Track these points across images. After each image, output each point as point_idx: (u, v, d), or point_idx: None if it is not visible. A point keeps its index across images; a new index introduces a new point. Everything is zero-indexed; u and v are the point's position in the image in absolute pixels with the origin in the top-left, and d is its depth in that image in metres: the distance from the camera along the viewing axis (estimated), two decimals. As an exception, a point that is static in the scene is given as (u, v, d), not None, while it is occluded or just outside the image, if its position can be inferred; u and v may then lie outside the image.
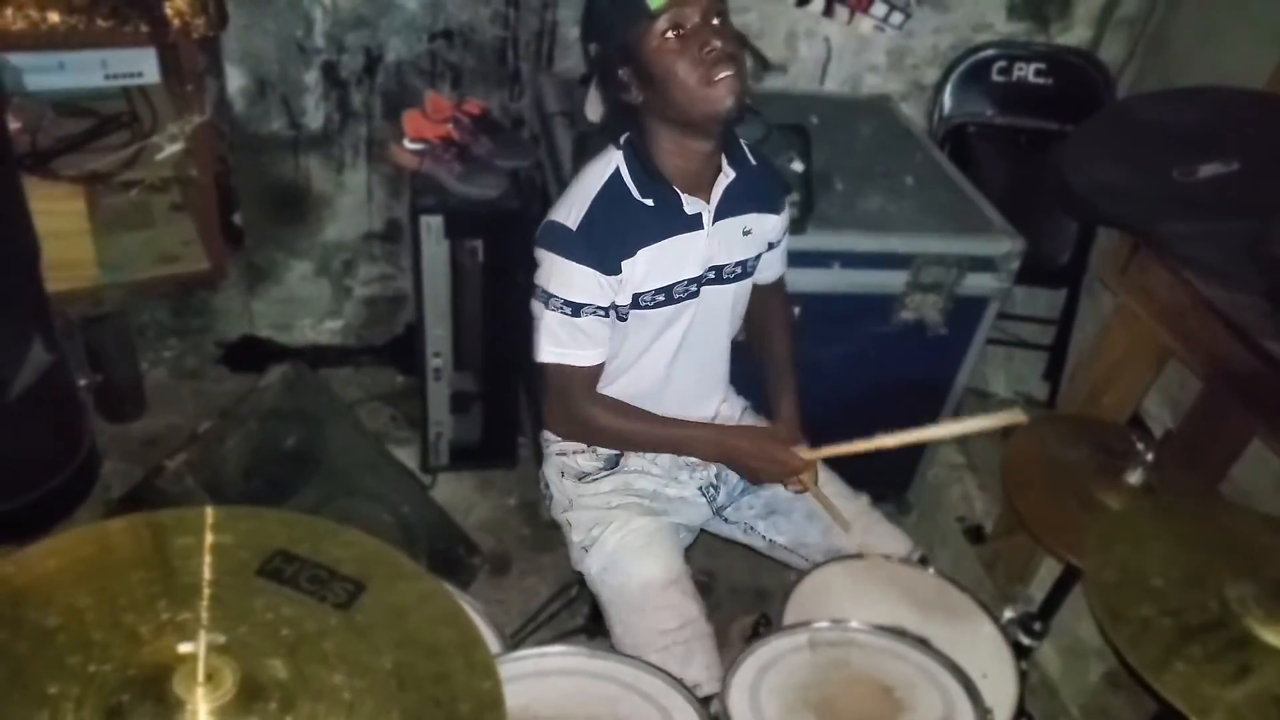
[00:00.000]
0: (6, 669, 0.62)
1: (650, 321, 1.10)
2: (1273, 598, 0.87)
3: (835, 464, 1.23)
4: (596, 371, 1.10)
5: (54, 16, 1.34)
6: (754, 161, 1.14)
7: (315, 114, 1.84)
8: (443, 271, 1.66)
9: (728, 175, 1.08)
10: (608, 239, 1.04)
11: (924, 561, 1.15)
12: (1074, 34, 2.05)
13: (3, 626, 0.65)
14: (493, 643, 0.93)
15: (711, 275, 1.11)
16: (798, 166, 1.49)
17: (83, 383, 1.68)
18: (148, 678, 0.63)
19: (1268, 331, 1.23)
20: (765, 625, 1.03)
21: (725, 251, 1.11)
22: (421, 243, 1.62)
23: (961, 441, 2.07)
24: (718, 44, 0.95)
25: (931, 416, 1.76)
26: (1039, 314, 2.12)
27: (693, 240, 1.08)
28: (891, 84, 2.03)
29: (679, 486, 1.19)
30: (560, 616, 1.51)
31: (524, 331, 1.11)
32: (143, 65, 1.53)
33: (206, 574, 0.70)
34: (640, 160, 1.05)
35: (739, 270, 1.14)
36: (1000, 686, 0.95)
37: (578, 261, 1.02)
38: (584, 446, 1.18)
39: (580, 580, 1.21)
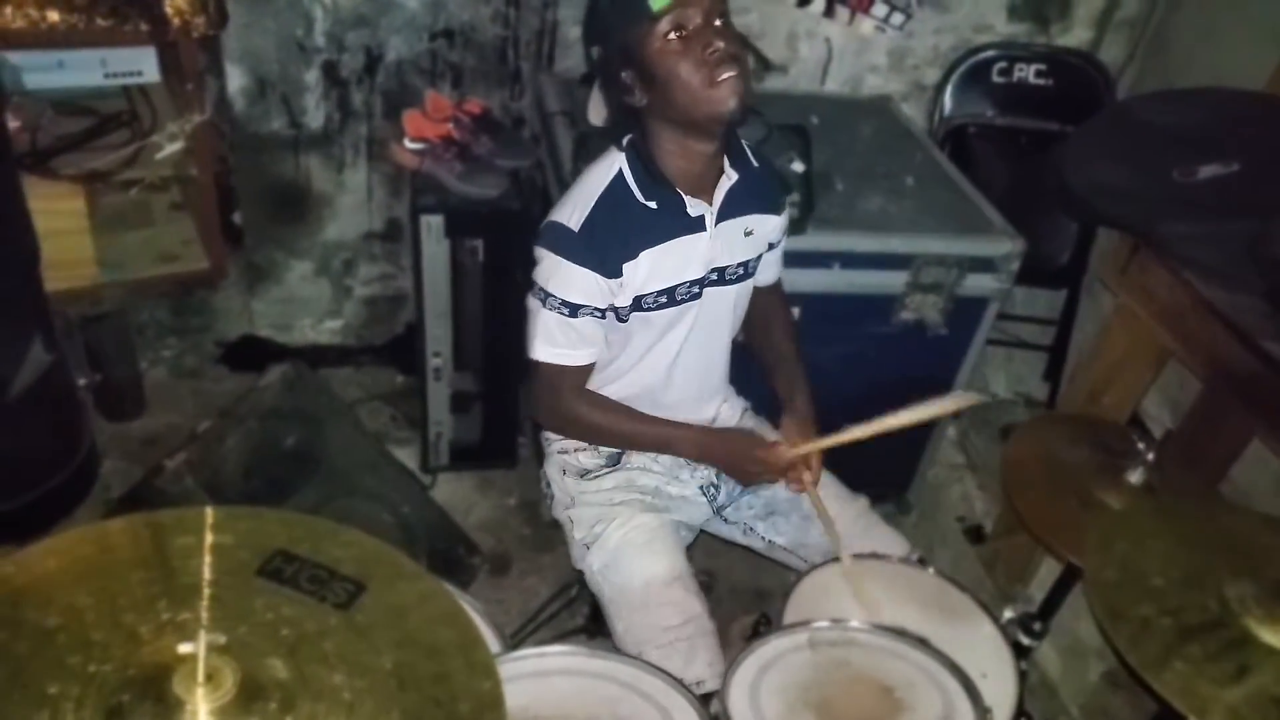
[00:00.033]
0: (6, 669, 0.62)
1: (652, 323, 1.10)
2: (1272, 598, 0.87)
3: (834, 466, 1.24)
4: (588, 371, 1.11)
5: (54, 15, 1.34)
6: (755, 163, 1.14)
7: (315, 113, 1.84)
8: (443, 271, 1.65)
9: (730, 177, 1.08)
10: (609, 241, 1.04)
11: (923, 562, 1.15)
12: (1074, 35, 2.05)
13: (2, 626, 0.65)
14: (493, 643, 0.93)
15: (714, 277, 1.11)
16: (798, 167, 1.49)
17: (82, 382, 1.68)
18: (148, 678, 0.63)
19: (1267, 332, 1.23)
20: (765, 625, 1.03)
21: (728, 253, 1.11)
22: (422, 242, 1.62)
23: (961, 442, 2.08)
24: (720, 45, 0.95)
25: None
26: (1039, 314, 2.12)
27: (695, 242, 1.08)
28: (892, 84, 2.03)
29: (680, 485, 1.20)
30: (560, 616, 1.51)
31: (523, 331, 1.11)
32: (142, 64, 1.52)
33: (206, 574, 0.70)
34: (643, 162, 1.05)
35: (741, 271, 1.14)
36: (1000, 686, 0.95)
37: (578, 263, 1.03)
38: (585, 445, 1.18)
39: (581, 580, 1.21)
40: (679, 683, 0.90)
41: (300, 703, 0.63)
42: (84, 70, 1.49)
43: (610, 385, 1.16)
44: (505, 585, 1.70)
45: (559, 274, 1.03)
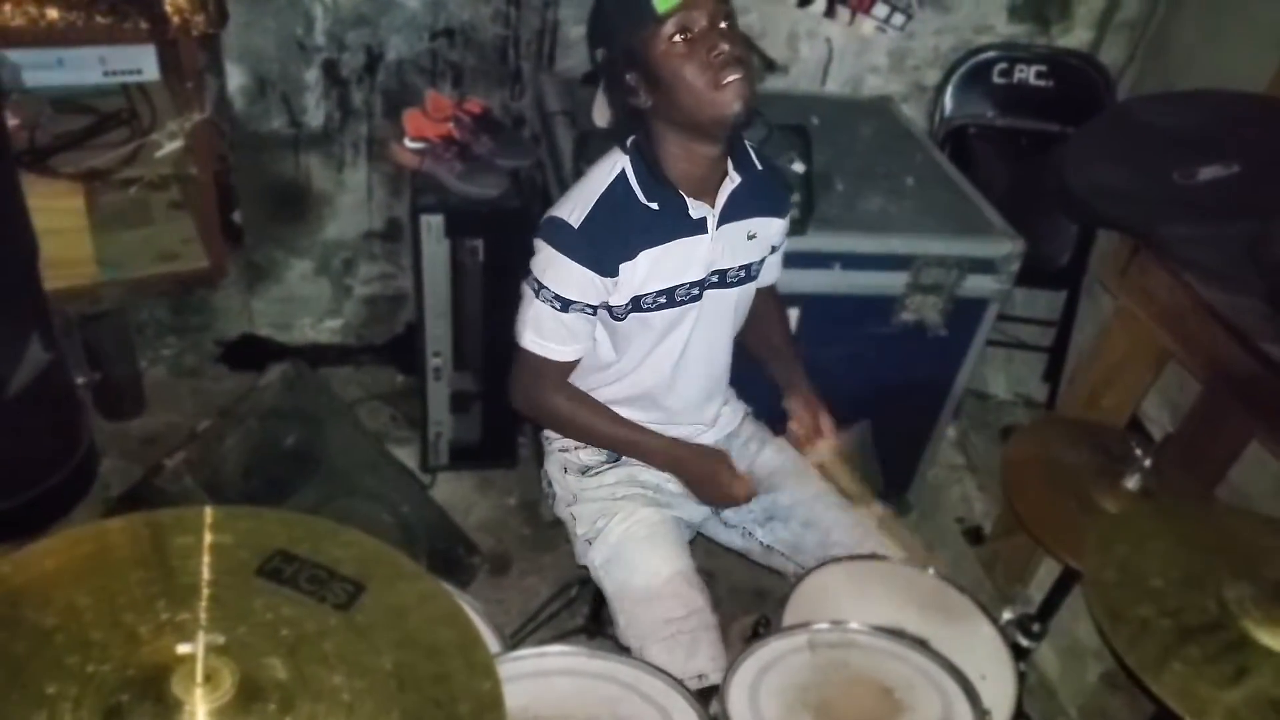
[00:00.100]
0: (5, 669, 0.62)
1: (652, 324, 1.10)
2: (1271, 599, 0.87)
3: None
4: (572, 366, 1.11)
5: (53, 13, 1.34)
6: (759, 165, 1.14)
7: (316, 112, 1.84)
8: (443, 271, 1.65)
9: (733, 180, 1.08)
10: (608, 240, 1.04)
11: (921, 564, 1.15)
12: (1075, 36, 2.05)
13: (1, 626, 0.65)
14: (492, 643, 0.92)
15: (715, 279, 1.11)
16: (798, 167, 1.49)
17: (81, 381, 1.68)
18: (146, 678, 0.63)
19: (1267, 334, 1.23)
20: (765, 626, 1.03)
21: (729, 255, 1.11)
22: (422, 242, 1.62)
23: (961, 443, 2.08)
24: (725, 48, 0.95)
25: (931, 418, 1.77)
26: (1039, 316, 2.12)
27: (696, 244, 1.08)
28: (892, 85, 2.03)
29: (680, 483, 1.20)
30: (560, 616, 1.51)
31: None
32: (142, 62, 1.52)
33: (206, 574, 0.70)
34: (646, 163, 1.05)
35: (743, 274, 1.14)
36: (999, 688, 0.95)
37: (575, 260, 1.03)
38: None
39: (581, 580, 1.21)
40: (679, 683, 0.90)
41: (299, 703, 0.63)
42: (83, 68, 1.49)
43: (611, 386, 1.16)
44: (505, 585, 1.70)
45: (554, 267, 1.04)
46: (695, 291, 1.10)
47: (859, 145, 1.80)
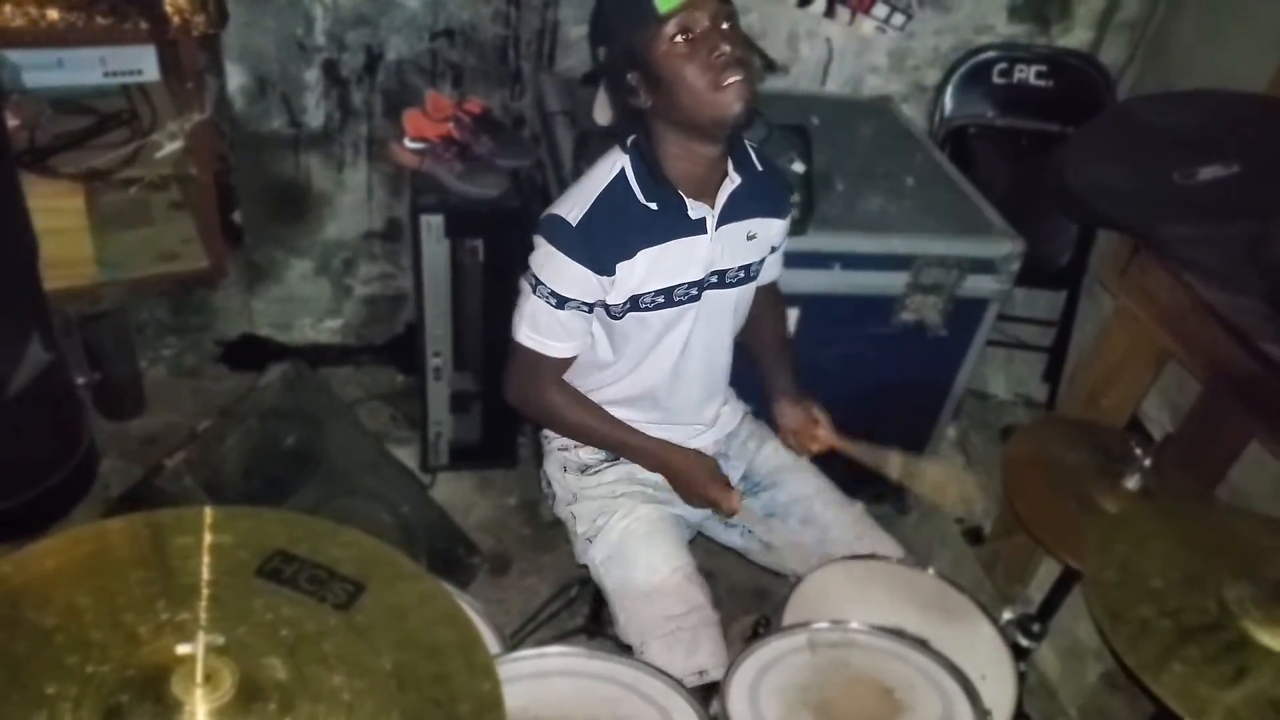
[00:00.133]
0: (4, 669, 0.62)
1: (650, 324, 1.10)
2: (1271, 600, 0.87)
3: (830, 468, 1.24)
4: (566, 363, 1.12)
5: (53, 13, 1.34)
6: (759, 166, 1.14)
7: (316, 112, 1.84)
8: (443, 271, 1.65)
9: (733, 180, 1.08)
10: (606, 239, 1.04)
11: (921, 564, 1.15)
12: (1075, 36, 2.05)
13: (1, 626, 0.65)
14: (492, 643, 0.92)
15: (714, 279, 1.11)
16: (799, 167, 1.49)
17: (81, 381, 1.68)
18: (146, 678, 0.63)
19: (1267, 334, 1.23)
20: (765, 626, 1.03)
21: (729, 256, 1.11)
22: (422, 242, 1.62)
23: (961, 442, 2.08)
24: (727, 49, 0.95)
25: (931, 418, 1.77)
26: (1039, 316, 2.12)
27: (695, 244, 1.08)
28: (892, 85, 2.03)
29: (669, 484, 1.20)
30: (560, 616, 1.51)
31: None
32: (142, 63, 1.52)
33: (205, 574, 0.70)
34: (646, 163, 1.05)
35: (742, 274, 1.14)
36: (999, 688, 0.95)
37: (572, 257, 1.03)
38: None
39: (581, 580, 1.21)
40: (679, 684, 0.90)
41: (299, 703, 0.63)
42: (83, 69, 1.49)
43: (611, 386, 1.16)
44: (505, 585, 1.70)
45: (551, 264, 1.04)
46: (694, 291, 1.10)
47: (859, 145, 1.80)
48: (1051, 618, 1.26)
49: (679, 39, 0.96)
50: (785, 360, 1.25)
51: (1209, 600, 0.88)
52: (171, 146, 1.60)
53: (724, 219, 1.09)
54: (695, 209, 1.07)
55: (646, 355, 1.13)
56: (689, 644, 1.04)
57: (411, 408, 1.92)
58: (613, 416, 1.15)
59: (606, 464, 1.18)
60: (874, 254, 1.54)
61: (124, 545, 0.73)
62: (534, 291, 1.06)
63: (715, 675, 0.99)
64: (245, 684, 0.63)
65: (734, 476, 1.21)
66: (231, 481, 1.37)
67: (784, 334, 1.29)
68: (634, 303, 1.08)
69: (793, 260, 1.29)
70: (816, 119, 1.74)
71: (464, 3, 1.78)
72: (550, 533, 1.75)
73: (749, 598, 1.59)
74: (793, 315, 1.45)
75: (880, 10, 1.92)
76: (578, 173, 1.21)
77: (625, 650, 1.09)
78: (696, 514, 1.22)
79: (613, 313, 1.08)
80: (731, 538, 1.25)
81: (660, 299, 1.09)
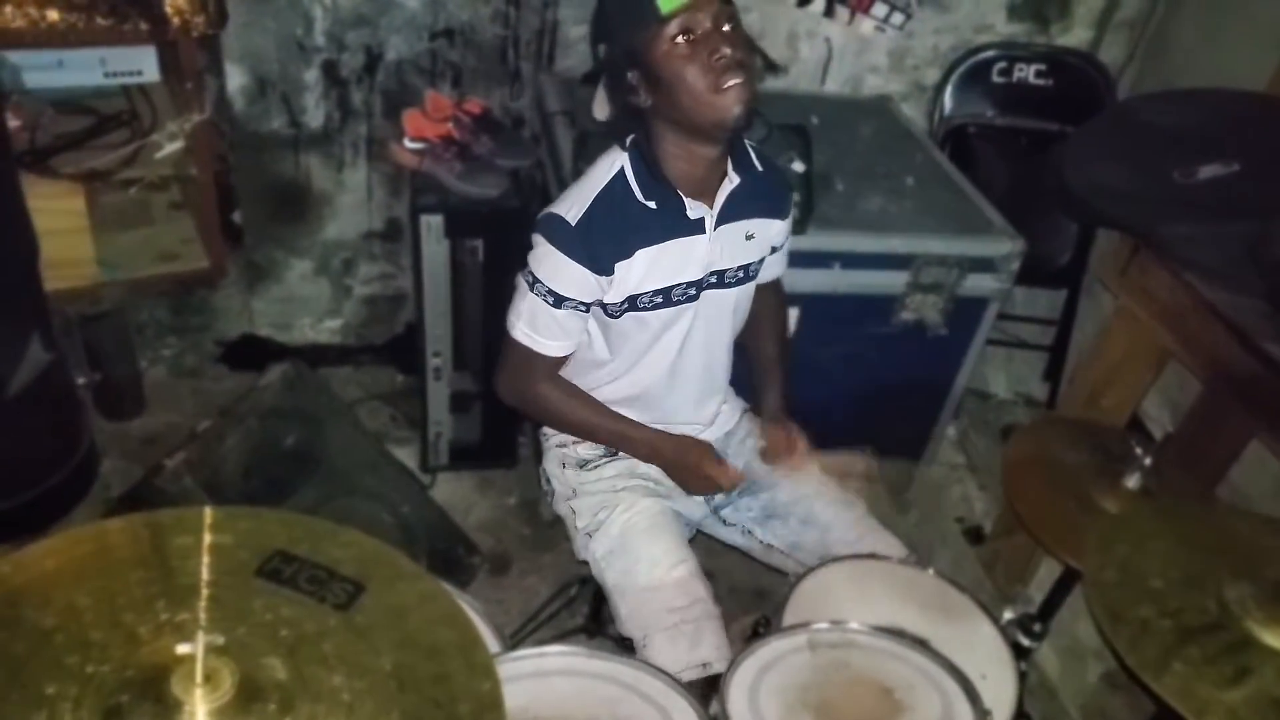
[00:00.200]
0: (4, 669, 0.62)
1: (648, 323, 1.10)
2: (1272, 599, 0.87)
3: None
4: (561, 361, 1.12)
5: (53, 14, 1.34)
6: (760, 167, 1.14)
7: (315, 112, 1.84)
8: (443, 271, 1.65)
9: (732, 180, 1.08)
10: (605, 239, 1.04)
11: (921, 564, 1.15)
12: (1074, 35, 2.05)
13: (1, 626, 0.65)
14: (492, 643, 0.92)
15: (713, 279, 1.11)
16: (798, 167, 1.49)
17: (81, 381, 1.68)
18: (146, 678, 0.63)
19: (1268, 334, 1.22)
20: (765, 625, 1.03)
21: (728, 256, 1.11)
22: (421, 242, 1.62)
23: (961, 442, 2.08)
24: (728, 51, 0.95)
25: (931, 417, 1.77)
26: (1039, 315, 2.12)
27: (693, 244, 1.08)
28: (892, 85, 2.03)
29: (666, 475, 1.19)
30: (560, 616, 1.51)
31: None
32: (142, 63, 1.52)
33: (205, 574, 0.70)
34: (645, 162, 1.05)
35: (741, 275, 1.14)
36: (999, 687, 0.95)
37: (571, 257, 1.03)
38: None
39: (580, 580, 1.21)
40: (679, 683, 0.90)
41: (299, 704, 0.63)
42: (84, 69, 1.49)
43: (609, 386, 1.16)
44: (505, 585, 1.70)
45: (549, 263, 1.04)
46: (692, 291, 1.10)
47: (859, 145, 1.80)
48: (1052, 617, 1.26)
49: (680, 40, 0.95)
50: (779, 376, 1.24)
51: (1209, 600, 0.88)
52: (171, 147, 1.60)
53: (723, 219, 1.09)
54: (694, 209, 1.07)
55: (644, 355, 1.13)
56: (692, 636, 1.03)
57: (411, 408, 1.92)
58: (606, 408, 1.15)
59: (605, 459, 1.18)
60: (874, 253, 1.54)
61: (124, 545, 0.73)
62: (531, 289, 1.06)
63: (718, 668, 0.99)
64: (245, 684, 0.63)
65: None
66: (231, 482, 1.37)
67: (784, 344, 1.28)
68: (632, 302, 1.08)
69: (793, 260, 1.29)
70: (816, 119, 1.74)
71: (463, 3, 1.78)
72: (550, 532, 1.75)
73: (749, 597, 1.59)
74: (793, 315, 1.45)
75: (880, 10, 1.92)
76: (577, 173, 1.21)
77: (625, 648, 1.09)
78: (696, 513, 1.22)
79: (610, 312, 1.08)
80: (732, 537, 1.25)
81: (658, 299, 1.09)
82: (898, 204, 1.63)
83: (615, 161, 1.07)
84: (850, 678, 0.92)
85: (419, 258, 1.64)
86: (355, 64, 1.81)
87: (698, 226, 1.08)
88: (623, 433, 1.14)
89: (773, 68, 1.90)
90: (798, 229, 1.40)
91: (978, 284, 1.59)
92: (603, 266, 1.04)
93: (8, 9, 1.31)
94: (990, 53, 2.00)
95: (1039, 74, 2.01)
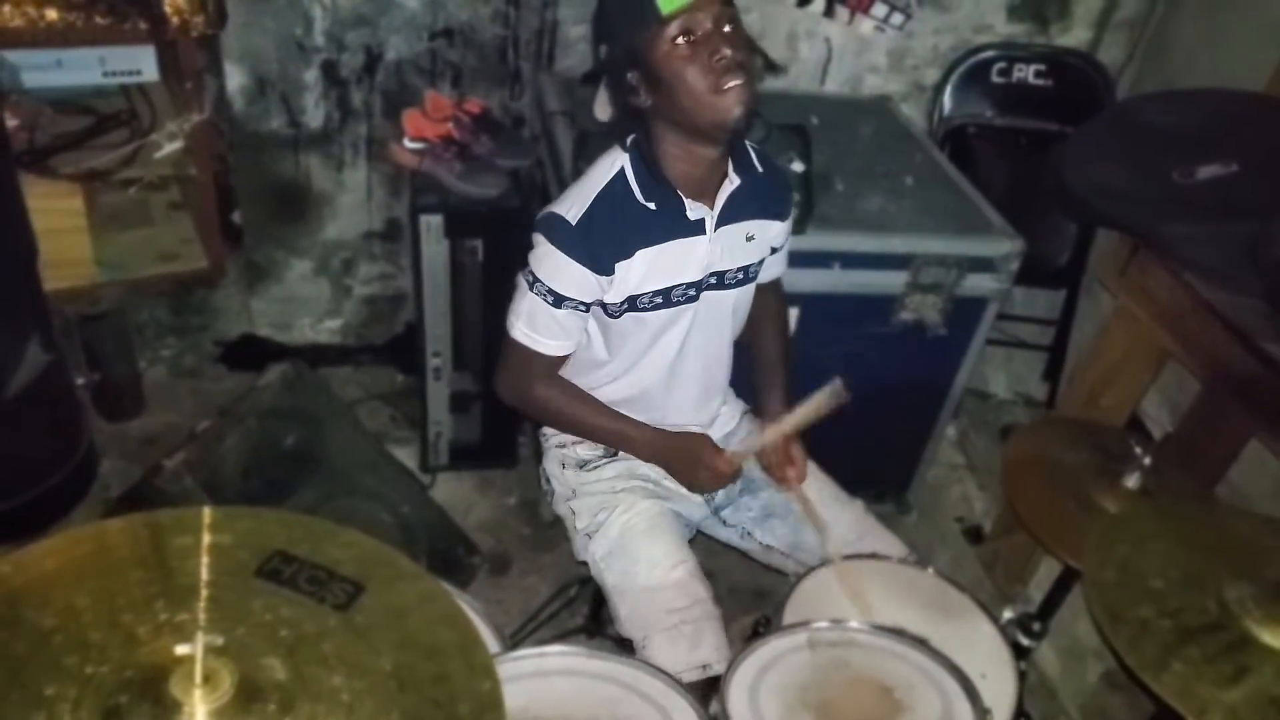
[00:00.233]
0: (3, 670, 0.62)
1: (647, 324, 1.10)
2: (1271, 599, 0.87)
3: (831, 467, 1.24)
4: (561, 361, 1.12)
5: (52, 13, 1.34)
6: (761, 168, 1.14)
7: (315, 112, 1.84)
8: (443, 271, 1.65)
9: (733, 182, 1.08)
10: (605, 238, 1.04)
11: (921, 563, 1.15)
12: (1074, 35, 2.05)
13: (0, 627, 0.65)
14: (492, 643, 0.92)
15: (713, 280, 1.11)
16: (798, 167, 1.49)
17: (81, 381, 1.68)
18: (145, 679, 0.63)
19: (1267, 334, 1.23)
20: (765, 625, 1.03)
21: (728, 257, 1.11)
22: (421, 242, 1.62)
23: (961, 442, 2.08)
24: (728, 52, 0.95)
25: (931, 417, 1.77)
26: (1038, 314, 2.12)
27: (693, 245, 1.08)
28: (892, 85, 2.03)
29: (667, 472, 1.19)
30: (560, 616, 1.51)
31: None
32: (141, 63, 1.52)
33: (204, 574, 0.70)
34: (646, 163, 1.05)
35: (741, 276, 1.14)
36: (999, 687, 0.95)
37: (571, 256, 1.03)
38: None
39: (580, 580, 1.21)
40: (679, 683, 0.90)
41: (299, 704, 0.63)
42: (82, 69, 1.49)
43: (609, 386, 1.16)
44: (505, 585, 1.70)
45: (549, 262, 1.04)
46: (692, 292, 1.10)
47: (858, 145, 1.80)
48: (1052, 617, 1.26)
49: (680, 40, 0.95)
50: (781, 376, 1.23)
51: (1209, 600, 0.88)
52: (171, 147, 1.60)
53: (723, 220, 1.09)
54: (694, 209, 1.07)
55: (643, 355, 1.13)
56: (692, 638, 1.03)
57: (411, 408, 1.92)
58: (607, 407, 1.14)
59: (605, 459, 1.18)
60: (873, 253, 1.54)
61: (123, 546, 0.73)
62: (531, 289, 1.06)
63: (718, 669, 0.99)
64: (244, 685, 0.63)
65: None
66: (231, 482, 1.37)
67: (786, 344, 1.27)
68: (632, 303, 1.08)
69: (792, 260, 1.29)
70: (816, 118, 1.74)
71: (463, 3, 1.78)
72: (550, 532, 1.75)
73: (749, 597, 1.59)
74: (793, 315, 1.45)
75: (879, 10, 1.92)
76: (577, 172, 1.21)
77: (625, 649, 1.09)
78: (696, 514, 1.22)
79: (610, 312, 1.08)
80: (731, 538, 1.25)
81: (658, 299, 1.09)
82: (897, 204, 1.63)
83: (615, 161, 1.07)
84: (850, 677, 0.92)
85: (419, 258, 1.64)
86: (355, 64, 1.81)
87: (698, 227, 1.08)
88: (623, 432, 1.14)
89: (773, 68, 1.90)
90: (797, 229, 1.40)
91: (977, 284, 1.59)
92: (603, 266, 1.04)
93: (6, 8, 1.31)
94: (990, 53, 2.01)
95: (1038, 74, 2.01)
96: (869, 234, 1.54)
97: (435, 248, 1.63)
